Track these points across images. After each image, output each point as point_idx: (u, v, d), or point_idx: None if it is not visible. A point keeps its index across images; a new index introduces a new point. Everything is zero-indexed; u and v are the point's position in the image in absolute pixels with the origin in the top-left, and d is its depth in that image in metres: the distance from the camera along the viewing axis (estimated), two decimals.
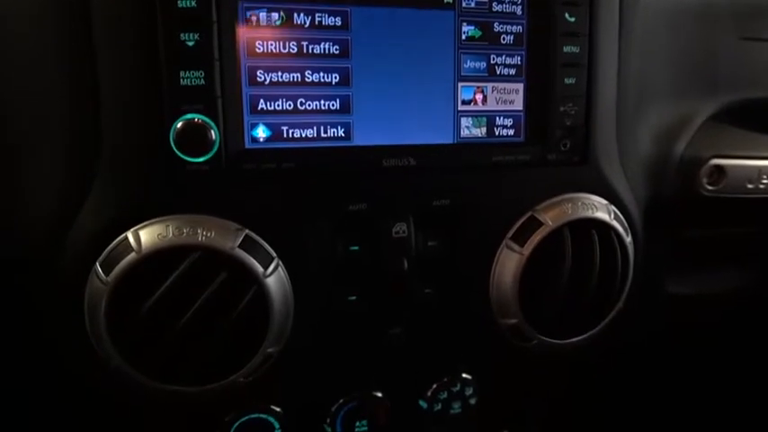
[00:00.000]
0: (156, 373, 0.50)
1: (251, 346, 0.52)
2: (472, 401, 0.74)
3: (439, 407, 0.73)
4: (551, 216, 0.58)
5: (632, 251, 0.62)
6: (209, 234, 0.49)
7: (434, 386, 0.72)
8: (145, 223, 0.49)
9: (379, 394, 0.70)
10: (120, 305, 0.48)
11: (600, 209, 0.60)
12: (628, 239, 0.61)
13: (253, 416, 0.67)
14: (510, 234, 0.59)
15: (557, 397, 0.81)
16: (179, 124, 0.48)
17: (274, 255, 0.52)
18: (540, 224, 0.58)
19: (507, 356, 0.65)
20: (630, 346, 0.83)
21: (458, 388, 0.73)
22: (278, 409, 0.67)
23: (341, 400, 0.69)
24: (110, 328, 0.48)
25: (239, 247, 0.50)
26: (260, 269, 0.50)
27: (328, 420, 0.69)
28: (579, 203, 0.59)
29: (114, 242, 0.49)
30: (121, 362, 0.49)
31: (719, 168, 0.70)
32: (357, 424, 0.70)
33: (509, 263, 0.58)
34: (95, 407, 0.58)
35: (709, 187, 0.71)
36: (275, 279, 0.51)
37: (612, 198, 0.62)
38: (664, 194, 0.70)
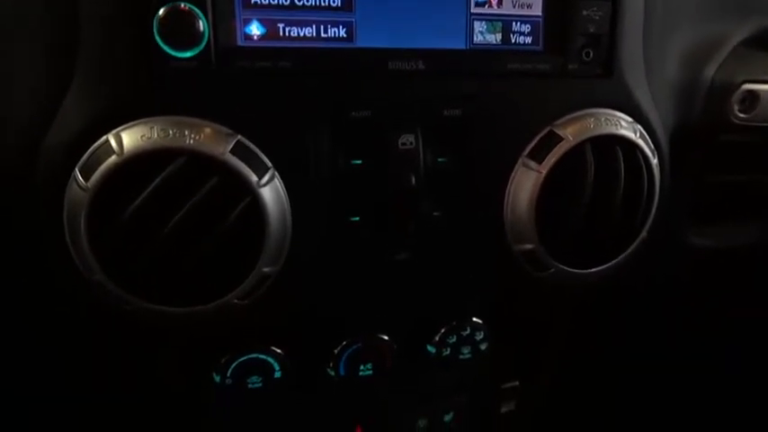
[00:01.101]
0: (139, 288, 0.45)
1: (245, 263, 0.47)
2: (483, 347, 0.70)
3: (447, 352, 0.69)
4: (572, 131, 0.53)
5: (659, 174, 0.57)
6: (197, 137, 0.45)
7: (443, 330, 0.68)
8: (127, 124, 0.44)
9: (385, 337, 0.66)
10: (102, 213, 0.44)
11: (625, 126, 0.55)
12: (654, 161, 0.56)
13: (251, 356, 0.63)
14: (527, 150, 0.54)
15: (571, 346, 0.77)
16: (163, 11, 0.44)
17: (269, 164, 0.47)
18: (560, 139, 0.53)
19: (521, 290, 0.61)
20: (650, 292, 0.78)
21: (468, 332, 0.69)
22: (278, 351, 0.63)
23: (344, 342, 0.65)
24: (91, 238, 0.44)
25: (231, 152, 0.45)
26: (254, 178, 0.46)
27: (331, 363, 0.66)
28: (602, 119, 0.54)
29: (94, 145, 0.44)
30: (103, 277, 0.45)
31: (752, 94, 0.65)
32: (361, 367, 0.66)
33: (525, 182, 0.53)
34: (80, 332, 0.54)
35: (741, 115, 0.66)
36: (271, 191, 0.47)
37: (638, 116, 0.57)
38: (691, 122, 0.65)
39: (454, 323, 0.68)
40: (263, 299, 0.50)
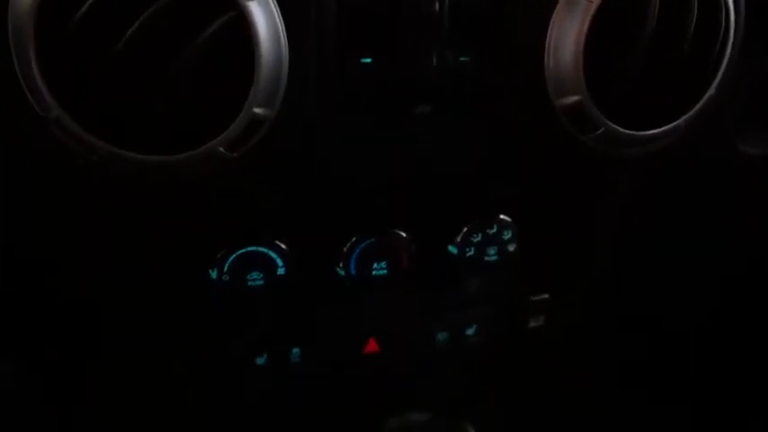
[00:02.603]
0: (100, 124, 0.38)
1: (231, 100, 0.40)
2: (511, 248, 0.62)
3: (471, 252, 0.61)
4: None
5: (735, 17, 0.47)
6: None
7: (466, 228, 0.61)
8: None
9: (402, 233, 0.59)
10: (54, 27, 0.36)
11: None
12: None
13: (251, 249, 0.56)
14: None
15: (612, 249, 0.69)
16: None
17: None
18: None
19: (561, 163, 0.53)
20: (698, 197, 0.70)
21: (494, 230, 0.61)
22: (283, 246, 0.56)
23: (354, 238, 0.58)
24: (42, 63, 0.36)
25: None
26: None
27: (341, 262, 0.59)
28: None
29: None
30: (60, 111, 0.37)
31: None
32: (375, 266, 0.59)
33: (571, 18, 0.44)
34: (54, 200, 0.46)
35: None
36: (261, 7, 0.39)
37: None
38: None
39: (479, 220, 0.60)
40: (256, 153, 0.42)
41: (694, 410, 0.86)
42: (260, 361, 0.62)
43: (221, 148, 0.40)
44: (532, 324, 0.69)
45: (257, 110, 0.40)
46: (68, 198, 0.44)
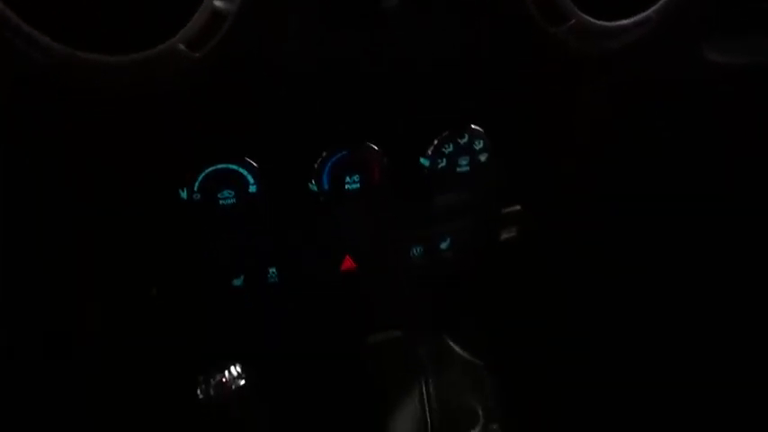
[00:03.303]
0: (49, 21, 0.36)
1: None
2: (482, 158, 0.63)
3: (443, 163, 0.62)
4: None
5: None
6: None
7: (437, 140, 0.60)
8: None
9: (374, 146, 0.59)
10: None
11: None
12: None
13: (221, 166, 0.55)
14: None
15: (582, 156, 0.70)
16: None
17: None
18: None
19: (530, 61, 0.52)
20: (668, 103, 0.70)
21: (466, 140, 0.61)
22: (253, 163, 0.55)
23: (325, 153, 0.57)
24: None
25: None
26: None
27: (313, 178, 0.58)
28: None
29: None
30: (9, 11, 0.35)
31: None
32: (347, 180, 0.59)
33: None
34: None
35: None
36: None
37: None
38: None
39: (450, 131, 0.60)
40: (219, 53, 0.41)
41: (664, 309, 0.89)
42: (237, 282, 0.62)
43: (182, 46, 0.38)
44: (505, 235, 0.70)
45: (217, 2, 0.38)
46: (24, 110, 0.42)
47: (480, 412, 0.61)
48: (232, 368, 0.62)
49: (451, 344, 0.73)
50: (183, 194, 0.55)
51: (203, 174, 0.54)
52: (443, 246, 0.68)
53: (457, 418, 0.62)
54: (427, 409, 0.59)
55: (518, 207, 0.70)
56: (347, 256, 0.65)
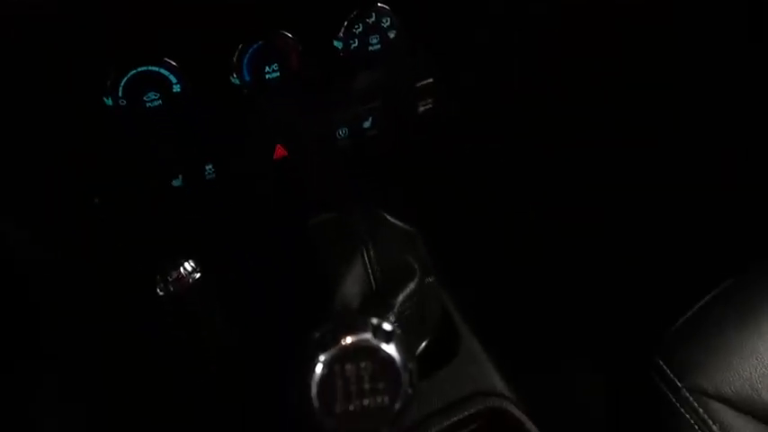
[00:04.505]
0: None
1: None
2: (391, 35, 0.66)
3: (355, 44, 0.65)
4: None
5: None
6: None
7: (347, 21, 0.63)
8: None
9: (288, 34, 0.61)
10: None
11: None
12: None
13: (141, 69, 0.56)
14: None
15: (494, 27, 0.74)
16: None
17: None
18: None
19: None
20: None
21: (373, 19, 0.64)
22: (173, 63, 0.57)
23: (241, 45, 0.60)
24: None
25: None
26: None
27: (234, 71, 0.61)
28: None
29: None
30: None
31: None
32: (267, 69, 0.62)
33: None
34: None
35: None
36: None
37: None
38: None
39: (357, 11, 0.63)
40: None
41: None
42: (176, 183, 0.65)
43: None
44: (422, 108, 0.75)
45: None
46: None
47: (417, 267, 0.68)
48: (186, 264, 0.66)
49: (386, 216, 0.79)
50: (109, 101, 0.56)
51: (125, 78, 0.56)
52: (366, 125, 0.72)
53: (397, 277, 0.69)
54: (370, 271, 0.66)
55: (431, 80, 0.74)
56: (278, 145, 0.69)
